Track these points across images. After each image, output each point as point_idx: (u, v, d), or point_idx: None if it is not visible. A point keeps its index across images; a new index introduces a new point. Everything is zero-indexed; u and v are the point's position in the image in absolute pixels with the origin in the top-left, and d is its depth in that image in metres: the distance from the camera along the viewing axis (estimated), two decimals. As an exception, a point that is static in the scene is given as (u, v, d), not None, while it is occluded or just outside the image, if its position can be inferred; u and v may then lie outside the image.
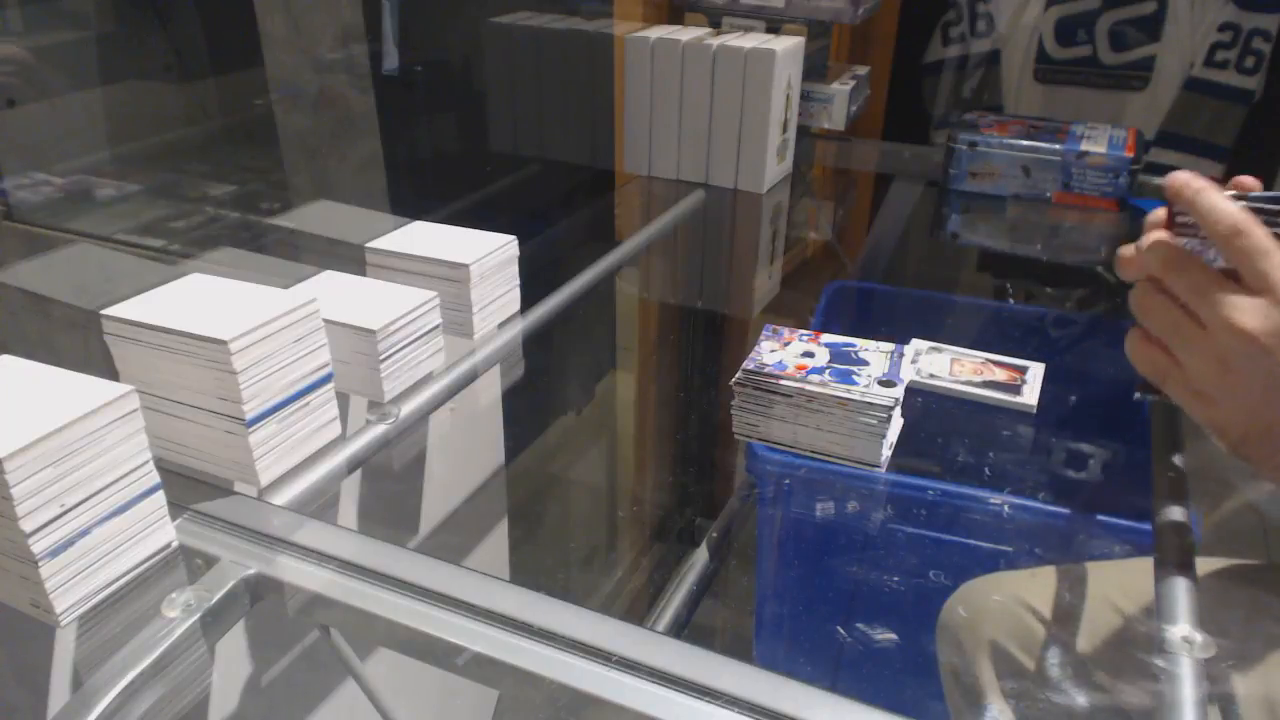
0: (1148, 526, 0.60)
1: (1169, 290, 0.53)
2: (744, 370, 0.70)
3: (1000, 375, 0.85)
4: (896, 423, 0.69)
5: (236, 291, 0.58)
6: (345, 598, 0.50)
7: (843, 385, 0.67)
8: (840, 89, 1.29)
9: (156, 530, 0.51)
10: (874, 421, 0.67)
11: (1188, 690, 0.47)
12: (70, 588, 0.47)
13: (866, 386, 0.67)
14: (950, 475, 0.84)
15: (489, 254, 0.75)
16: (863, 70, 1.38)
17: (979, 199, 1.22)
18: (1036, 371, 0.85)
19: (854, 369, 0.69)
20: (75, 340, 0.84)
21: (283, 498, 0.58)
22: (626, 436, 1.45)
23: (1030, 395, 0.82)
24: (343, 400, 0.64)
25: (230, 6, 1.02)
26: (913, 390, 0.79)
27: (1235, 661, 0.50)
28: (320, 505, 0.60)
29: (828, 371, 0.69)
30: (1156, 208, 0.56)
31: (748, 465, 0.89)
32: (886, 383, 0.67)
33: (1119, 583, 0.71)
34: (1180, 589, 0.53)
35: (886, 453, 0.68)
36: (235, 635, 0.67)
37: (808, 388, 0.67)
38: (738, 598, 1.04)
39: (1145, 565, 0.57)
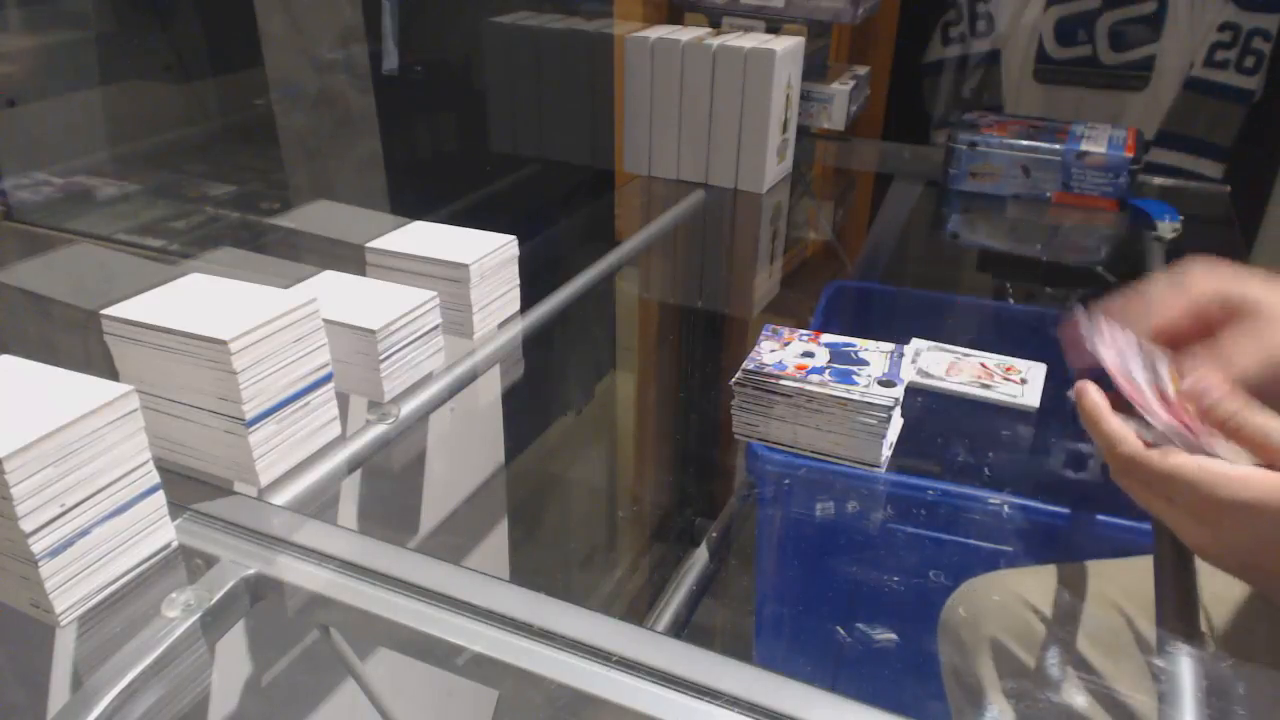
0: (1148, 526, 0.60)
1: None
2: (744, 370, 0.70)
3: (1000, 375, 0.85)
4: (896, 423, 0.69)
5: (236, 291, 0.58)
6: (345, 598, 0.50)
7: (843, 385, 0.67)
8: (840, 89, 1.29)
9: (156, 530, 0.51)
10: (874, 421, 0.66)
11: (1188, 690, 0.47)
12: (70, 588, 0.47)
13: (866, 386, 0.67)
14: (950, 475, 0.84)
15: (489, 254, 0.75)
16: (863, 70, 1.38)
17: (979, 199, 1.22)
18: (1037, 371, 0.85)
19: (854, 369, 0.69)
20: (75, 340, 0.84)
21: (283, 498, 0.58)
22: (626, 436, 1.45)
23: (1030, 395, 0.82)
24: (343, 400, 0.64)
25: (230, 6, 1.02)
26: (913, 390, 0.79)
27: (1235, 662, 0.50)
28: (320, 505, 0.60)
29: (828, 371, 0.69)
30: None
31: (748, 465, 0.89)
32: (886, 383, 0.67)
33: (1119, 582, 0.71)
34: (1180, 589, 0.53)
35: (886, 453, 0.68)
36: (235, 635, 0.67)
37: (808, 388, 0.67)
38: (738, 598, 1.04)
39: (1145, 565, 0.57)
